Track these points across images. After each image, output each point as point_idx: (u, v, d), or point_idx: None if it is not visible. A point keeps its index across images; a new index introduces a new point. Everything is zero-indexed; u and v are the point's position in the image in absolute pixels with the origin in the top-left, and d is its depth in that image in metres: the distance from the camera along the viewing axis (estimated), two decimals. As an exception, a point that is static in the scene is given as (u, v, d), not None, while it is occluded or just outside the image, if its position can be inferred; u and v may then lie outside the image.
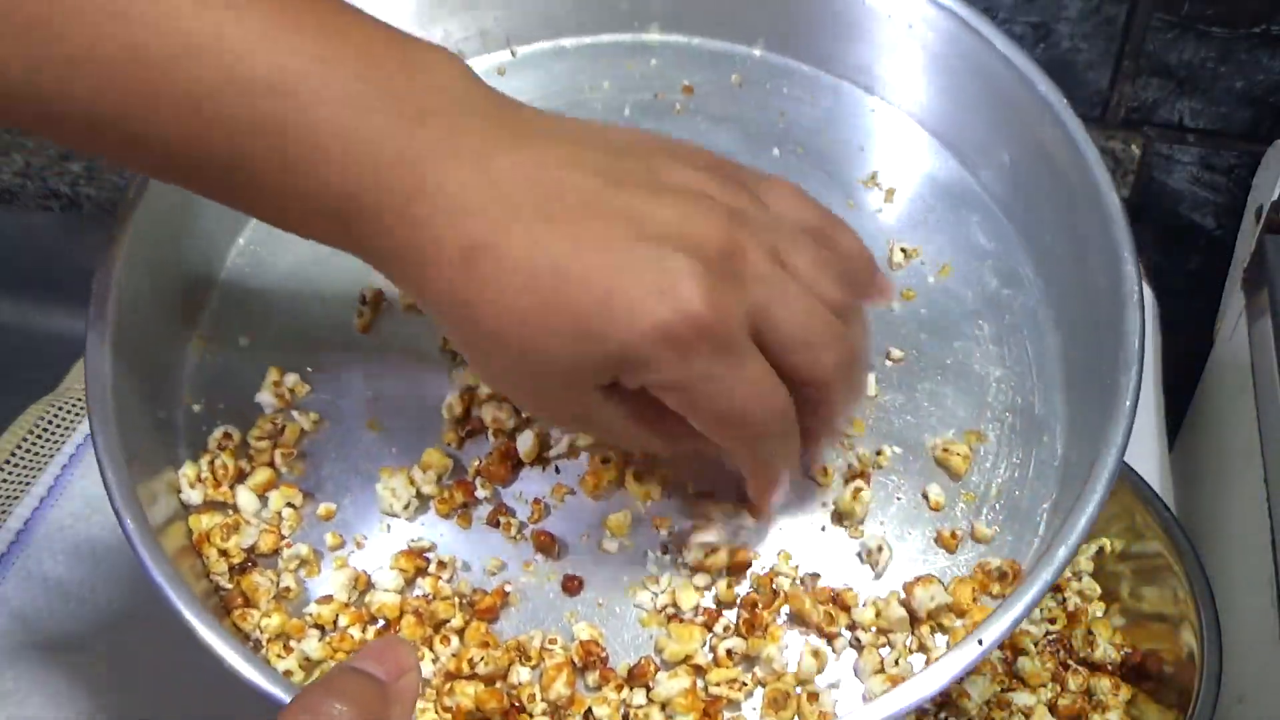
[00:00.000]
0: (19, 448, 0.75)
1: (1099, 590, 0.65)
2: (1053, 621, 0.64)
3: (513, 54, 0.56)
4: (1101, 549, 0.66)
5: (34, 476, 0.74)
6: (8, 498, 0.73)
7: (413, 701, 0.36)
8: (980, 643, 0.37)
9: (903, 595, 0.43)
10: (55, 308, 1.08)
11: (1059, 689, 0.61)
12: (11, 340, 1.07)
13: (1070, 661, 0.62)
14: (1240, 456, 0.74)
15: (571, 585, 0.44)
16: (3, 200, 1.06)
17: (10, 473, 0.74)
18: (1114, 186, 0.45)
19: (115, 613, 0.68)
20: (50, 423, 0.76)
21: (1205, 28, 0.82)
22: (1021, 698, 0.60)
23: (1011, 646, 0.61)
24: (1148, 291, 0.82)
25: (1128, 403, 0.40)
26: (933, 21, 0.50)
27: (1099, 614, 0.64)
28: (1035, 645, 0.62)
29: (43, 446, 0.75)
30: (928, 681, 0.37)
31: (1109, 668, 0.62)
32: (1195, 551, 0.61)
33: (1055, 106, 0.47)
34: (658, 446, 0.40)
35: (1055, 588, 0.63)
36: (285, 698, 0.36)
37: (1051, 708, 0.60)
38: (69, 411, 0.77)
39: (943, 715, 0.59)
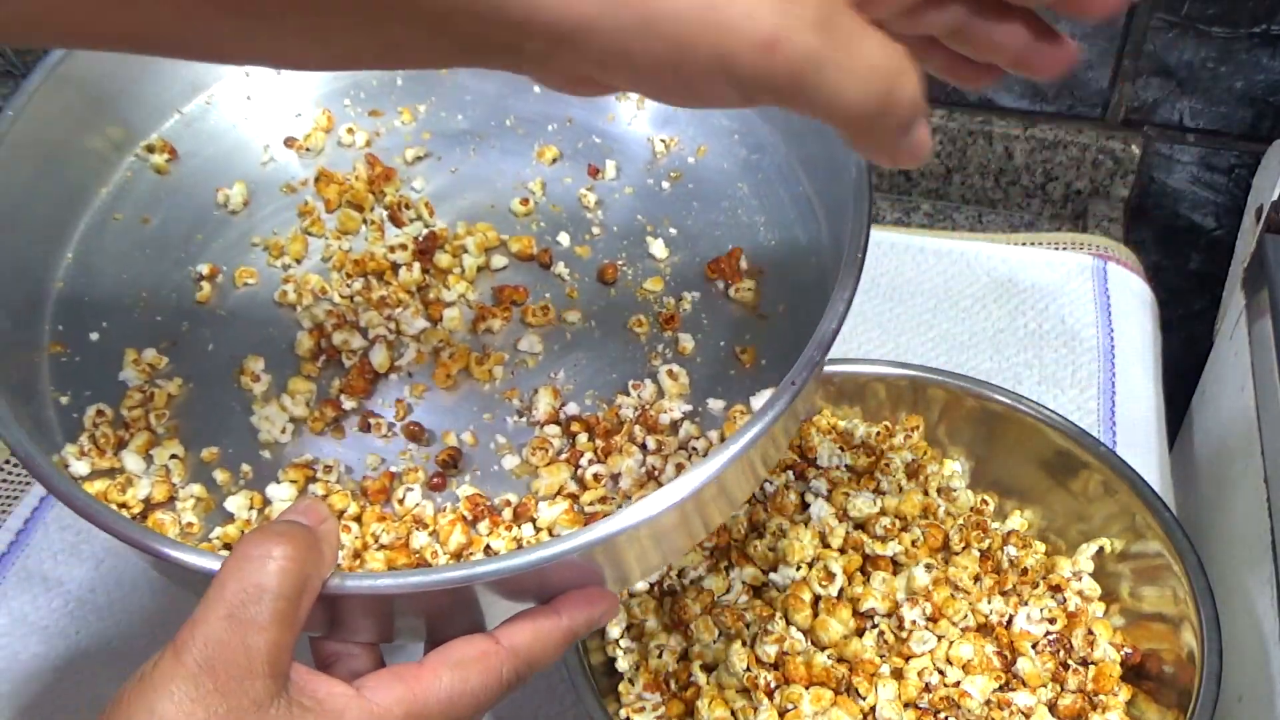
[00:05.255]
0: None
1: (1099, 590, 0.66)
2: (1053, 621, 0.64)
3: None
4: (1101, 549, 0.67)
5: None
6: (8, 498, 0.72)
7: (336, 543, 0.41)
8: (793, 383, 0.44)
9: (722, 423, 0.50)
10: None
11: (1059, 689, 0.61)
12: None
13: (1070, 661, 0.62)
14: (1240, 456, 0.75)
15: (447, 459, 0.49)
16: None
17: (10, 473, 0.73)
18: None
19: (115, 612, 0.69)
20: None
21: (1205, 28, 0.83)
22: (1021, 698, 0.60)
23: (1011, 646, 0.63)
24: (1148, 291, 0.88)
25: (861, 178, 0.49)
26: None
27: (1099, 614, 0.65)
28: (1035, 645, 0.63)
29: None
30: (757, 420, 0.44)
31: (1109, 668, 0.62)
32: (1195, 551, 0.61)
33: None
34: None
35: (1055, 588, 0.66)
36: (215, 567, 0.40)
37: (1051, 708, 0.60)
38: None
39: (943, 715, 0.60)
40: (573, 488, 0.48)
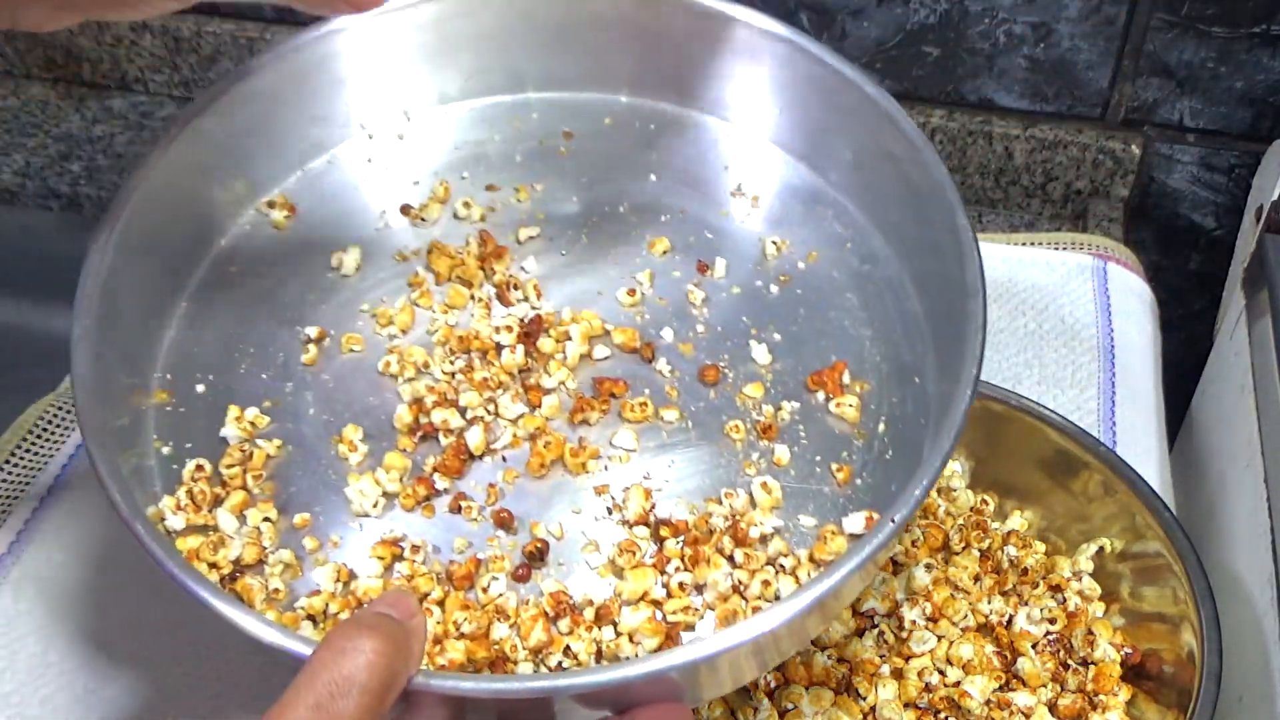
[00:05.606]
0: (19, 448, 0.75)
1: (1099, 590, 0.66)
2: (1053, 621, 0.64)
3: (407, 118, 0.63)
4: (1101, 549, 0.67)
5: (34, 476, 0.75)
6: (8, 498, 0.74)
7: (424, 638, 0.41)
8: (894, 520, 0.44)
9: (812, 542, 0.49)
10: (55, 308, 1.06)
11: (1059, 689, 0.62)
12: (11, 340, 1.04)
13: (1070, 661, 0.63)
14: (1240, 456, 0.74)
15: (534, 552, 0.49)
16: (3, 200, 1.05)
17: (10, 473, 0.74)
18: (939, 158, 0.54)
19: (115, 613, 0.69)
20: (50, 423, 0.77)
21: (1205, 28, 0.83)
22: (1021, 698, 0.60)
23: (1011, 646, 0.63)
24: (1148, 291, 0.88)
25: (978, 321, 0.49)
26: (771, 50, 0.59)
27: (1099, 614, 0.65)
28: (1035, 645, 0.63)
29: (43, 446, 0.76)
30: (852, 558, 0.43)
31: (1109, 668, 0.62)
32: (1195, 551, 0.61)
33: (882, 103, 0.56)
34: None
35: (1055, 588, 0.66)
36: (307, 652, 0.40)
37: (1051, 708, 0.61)
38: (69, 411, 0.78)
39: (943, 715, 0.60)
40: (657, 593, 0.48)
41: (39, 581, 0.71)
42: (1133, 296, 0.87)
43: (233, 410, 0.53)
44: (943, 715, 0.60)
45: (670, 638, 0.47)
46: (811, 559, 0.49)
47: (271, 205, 0.59)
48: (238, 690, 0.66)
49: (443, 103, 0.64)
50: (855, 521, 0.49)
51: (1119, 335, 0.84)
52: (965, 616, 0.64)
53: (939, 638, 0.63)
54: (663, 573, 0.49)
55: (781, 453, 0.52)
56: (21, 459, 0.76)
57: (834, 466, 0.52)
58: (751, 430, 0.53)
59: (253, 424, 0.53)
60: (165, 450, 0.52)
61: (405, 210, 0.60)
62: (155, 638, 0.68)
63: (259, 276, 0.58)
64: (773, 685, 0.60)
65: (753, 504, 0.51)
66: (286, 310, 0.57)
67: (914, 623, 0.63)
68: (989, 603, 0.65)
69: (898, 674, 0.62)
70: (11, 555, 0.72)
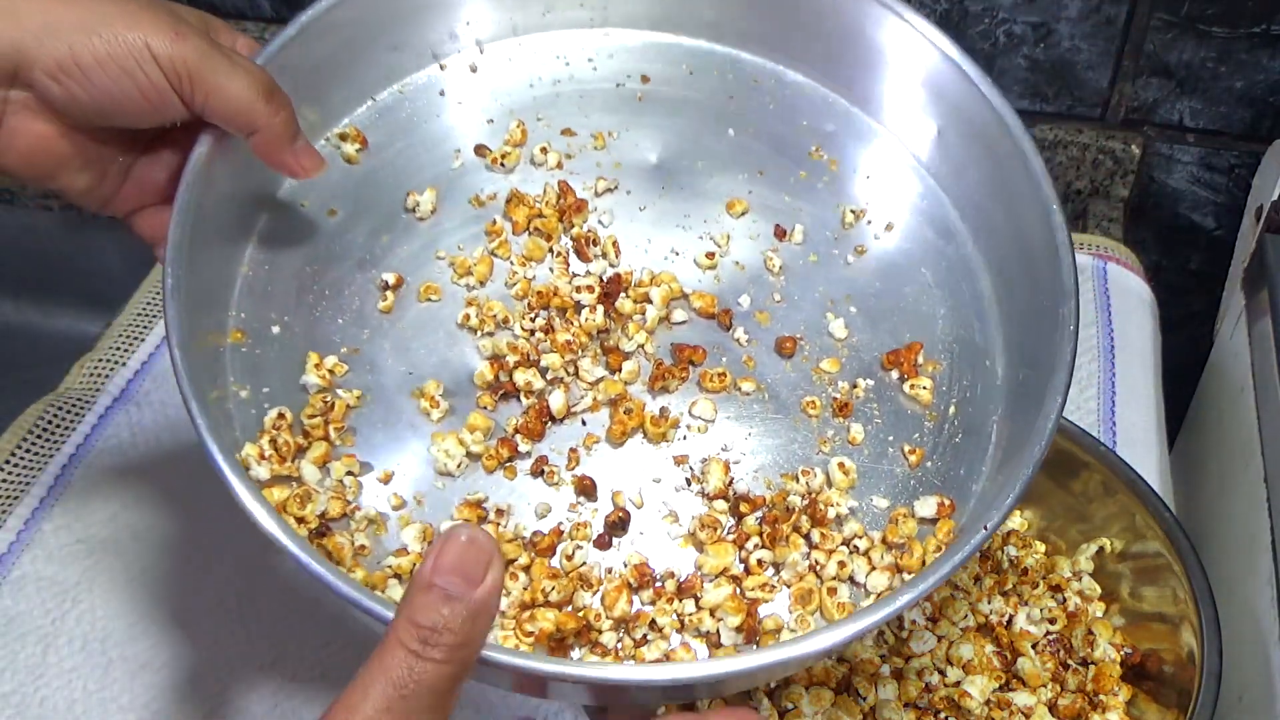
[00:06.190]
0: (19, 448, 0.75)
1: (1099, 590, 0.67)
2: (1053, 621, 0.64)
3: (480, 51, 0.61)
4: (1101, 549, 0.67)
5: (34, 476, 0.75)
6: (8, 498, 0.73)
7: (494, 613, 0.41)
8: (985, 527, 0.45)
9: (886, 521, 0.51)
10: (55, 308, 1.06)
11: (1059, 689, 0.62)
12: (11, 340, 1.04)
13: (1070, 661, 0.63)
14: (1240, 456, 0.76)
15: (616, 521, 0.50)
16: (3, 200, 1.03)
17: (10, 473, 0.74)
18: (1030, 135, 0.54)
19: (114, 612, 0.70)
20: (50, 423, 0.77)
21: (1205, 28, 0.84)
22: (1021, 698, 0.61)
23: (1011, 646, 0.64)
24: (1148, 291, 0.88)
25: (1070, 327, 0.49)
26: (864, 8, 0.58)
27: (1099, 614, 0.66)
28: (1035, 645, 0.64)
29: (43, 446, 0.76)
30: (943, 566, 0.44)
31: (1109, 668, 0.63)
32: (1195, 551, 0.62)
33: (977, 82, 0.56)
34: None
35: (1055, 588, 0.67)
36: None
37: (1051, 708, 0.62)
38: (69, 411, 0.77)
39: (943, 715, 0.61)
40: (736, 569, 0.49)
41: (39, 581, 0.71)
42: (1133, 296, 0.88)
43: (312, 357, 0.52)
44: (943, 715, 0.61)
45: (750, 614, 0.48)
46: (884, 541, 0.50)
47: (344, 138, 0.58)
48: (237, 690, 0.67)
49: (517, 34, 0.62)
50: (927, 505, 0.50)
51: (1119, 335, 0.85)
52: (965, 616, 0.65)
53: (939, 638, 0.64)
54: (742, 548, 0.50)
55: (856, 431, 0.53)
56: (22, 459, 0.76)
57: (906, 448, 0.53)
58: (828, 406, 0.54)
59: (332, 372, 0.52)
60: (243, 394, 0.51)
61: (480, 151, 0.59)
62: (155, 638, 0.69)
63: (330, 214, 0.56)
64: (772, 684, 0.61)
65: (829, 483, 0.52)
66: (360, 251, 0.56)
67: (914, 623, 0.64)
68: (989, 603, 0.66)
69: (898, 674, 0.63)
70: (11, 555, 0.72)
